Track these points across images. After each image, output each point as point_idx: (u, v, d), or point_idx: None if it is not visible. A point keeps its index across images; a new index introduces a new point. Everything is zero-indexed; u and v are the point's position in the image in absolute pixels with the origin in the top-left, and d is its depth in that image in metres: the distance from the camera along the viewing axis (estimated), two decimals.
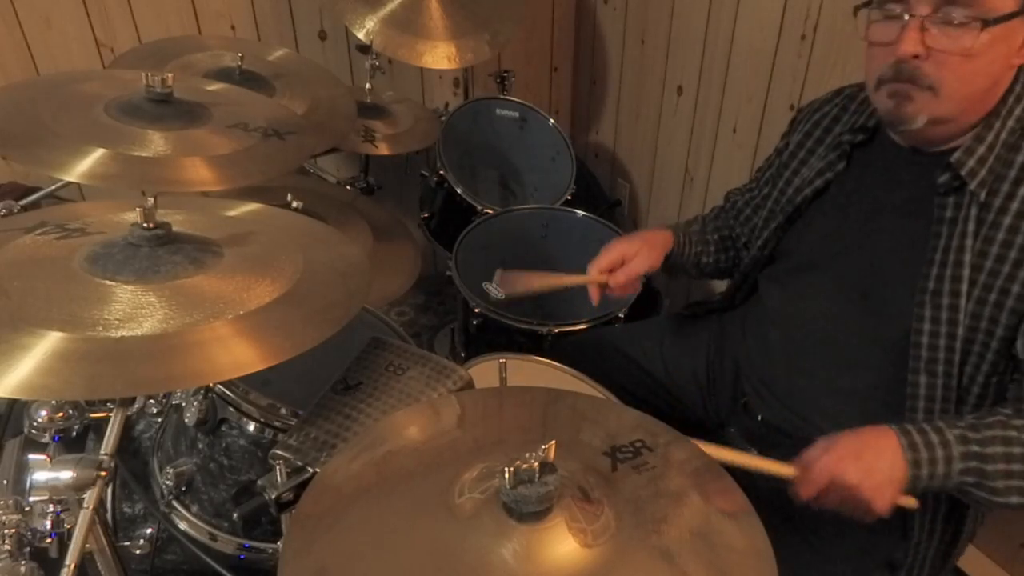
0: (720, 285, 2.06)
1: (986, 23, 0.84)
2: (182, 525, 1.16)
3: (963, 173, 0.90)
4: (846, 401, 1.05)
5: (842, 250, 1.06)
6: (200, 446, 1.14)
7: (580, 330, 1.47)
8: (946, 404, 0.95)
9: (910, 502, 0.88)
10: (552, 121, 2.03)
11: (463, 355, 1.69)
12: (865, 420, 0.90)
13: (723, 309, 1.32)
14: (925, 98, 0.90)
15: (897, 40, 0.88)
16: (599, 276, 1.18)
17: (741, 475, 0.77)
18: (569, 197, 1.90)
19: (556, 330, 1.46)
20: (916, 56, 0.88)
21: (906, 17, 0.87)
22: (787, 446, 0.95)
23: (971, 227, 0.90)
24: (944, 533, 1.02)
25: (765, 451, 1.10)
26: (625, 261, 1.18)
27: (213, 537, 1.15)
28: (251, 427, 1.08)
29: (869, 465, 0.85)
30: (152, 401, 1.27)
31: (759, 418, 1.16)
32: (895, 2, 0.89)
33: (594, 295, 1.20)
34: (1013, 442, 0.85)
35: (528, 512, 0.65)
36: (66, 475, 0.77)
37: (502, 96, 2.06)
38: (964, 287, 0.90)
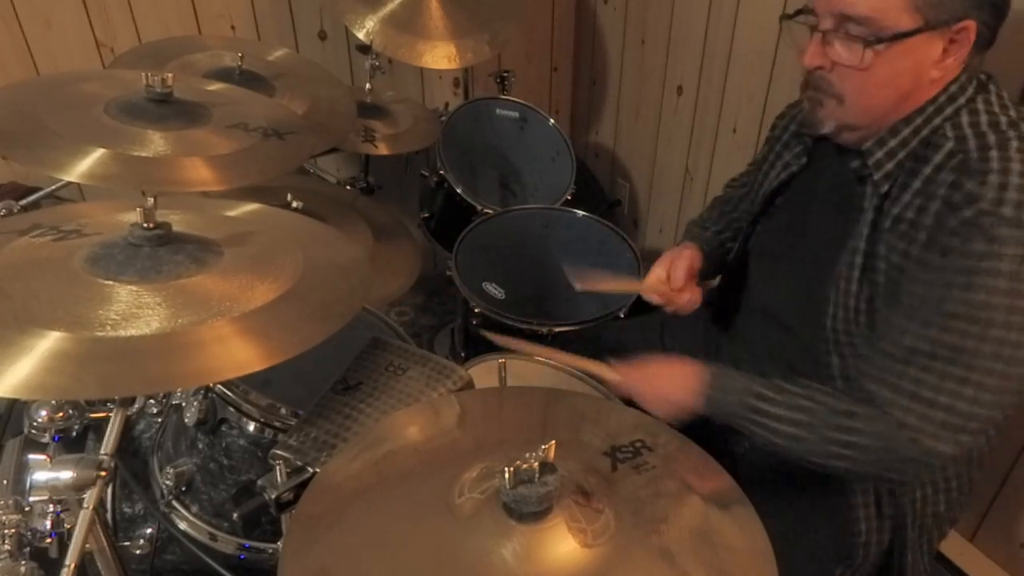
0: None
1: (870, 42, 0.87)
2: (182, 525, 1.16)
3: (869, 163, 0.93)
4: None
5: (794, 243, 1.09)
6: (200, 446, 1.14)
7: (580, 330, 1.47)
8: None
9: None
10: (552, 121, 2.03)
11: (463, 355, 1.69)
12: None
13: (714, 302, 1.33)
14: (832, 105, 0.94)
15: (803, 52, 0.94)
16: (659, 283, 1.19)
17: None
18: (569, 197, 1.90)
19: (556, 330, 1.46)
20: (821, 67, 0.93)
21: (813, 30, 0.92)
22: None
23: (869, 216, 0.93)
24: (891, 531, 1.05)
25: (753, 440, 1.12)
26: (669, 274, 1.20)
27: (213, 537, 1.15)
28: (251, 427, 1.08)
29: (665, 384, 1.00)
30: (152, 401, 1.27)
31: None
32: (809, 12, 0.94)
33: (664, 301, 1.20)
34: (804, 411, 0.91)
35: (528, 512, 0.65)
36: (66, 475, 0.77)
37: (502, 96, 2.06)
38: (855, 273, 0.94)
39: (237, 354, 0.76)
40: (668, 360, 1.03)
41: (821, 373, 1.02)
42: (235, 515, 0.97)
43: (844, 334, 0.97)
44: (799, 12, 0.97)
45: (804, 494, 1.05)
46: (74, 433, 1.14)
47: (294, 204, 1.31)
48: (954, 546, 1.53)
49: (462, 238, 1.66)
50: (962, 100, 0.90)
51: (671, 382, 1.01)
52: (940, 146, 0.87)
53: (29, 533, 0.80)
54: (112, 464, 0.80)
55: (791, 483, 1.04)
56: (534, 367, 1.21)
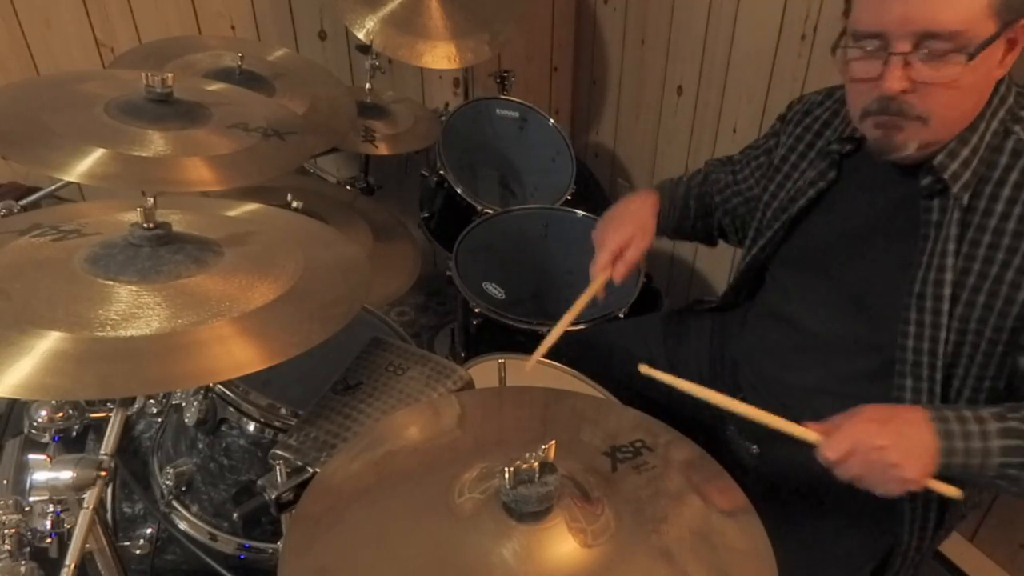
0: (720, 283, 2.06)
1: (971, 55, 0.82)
2: (182, 525, 1.16)
3: (945, 176, 0.90)
4: (837, 404, 1.05)
5: (836, 258, 1.06)
6: (200, 446, 1.14)
7: (580, 329, 1.47)
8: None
9: (951, 491, 0.81)
10: (552, 121, 2.03)
11: (463, 355, 1.69)
12: None
13: (725, 308, 1.32)
14: (915, 127, 0.89)
15: (881, 77, 0.87)
16: (604, 277, 1.17)
17: (737, 474, 0.77)
18: (569, 197, 1.90)
19: None
20: (904, 91, 0.87)
21: (887, 54, 0.86)
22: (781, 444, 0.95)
23: (954, 231, 0.90)
24: (934, 533, 1.03)
25: (760, 449, 1.11)
26: (623, 250, 1.18)
27: (213, 537, 1.15)
28: (251, 427, 1.08)
29: (898, 430, 0.83)
30: (152, 401, 1.27)
31: None
32: (872, 38, 0.88)
33: (601, 293, 1.19)
34: None
35: (528, 512, 0.65)
36: (66, 475, 0.77)
37: (502, 96, 2.06)
38: (946, 291, 0.90)
39: (237, 354, 0.76)
40: (882, 407, 0.86)
41: (872, 395, 0.97)
42: (235, 515, 0.97)
43: (928, 354, 0.93)
44: (842, 36, 0.92)
45: (829, 505, 1.03)
46: (74, 433, 1.14)
47: (294, 204, 1.31)
48: (954, 546, 1.53)
49: (462, 238, 1.66)
50: (1011, 100, 0.89)
51: (907, 422, 0.84)
52: (1019, 151, 0.87)
53: (29, 533, 0.80)
54: (112, 464, 0.80)
55: (811, 495, 1.02)
56: (534, 367, 1.20)
